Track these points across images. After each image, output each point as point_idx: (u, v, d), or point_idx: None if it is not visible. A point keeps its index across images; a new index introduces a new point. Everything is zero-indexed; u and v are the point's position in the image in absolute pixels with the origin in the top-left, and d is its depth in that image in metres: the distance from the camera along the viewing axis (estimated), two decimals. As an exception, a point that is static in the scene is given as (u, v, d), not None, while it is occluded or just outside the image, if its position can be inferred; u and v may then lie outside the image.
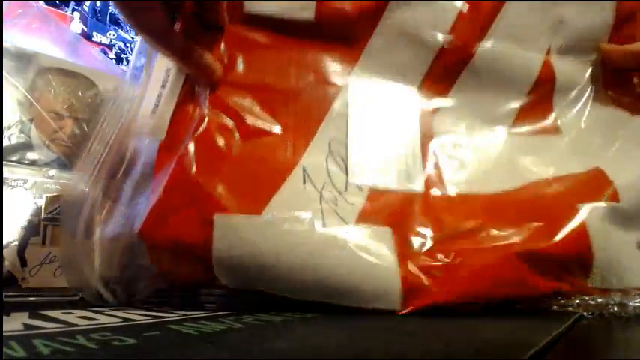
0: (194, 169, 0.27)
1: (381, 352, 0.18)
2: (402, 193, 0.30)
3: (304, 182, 0.29)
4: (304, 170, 0.29)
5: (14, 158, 0.36)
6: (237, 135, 0.30)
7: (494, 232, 0.29)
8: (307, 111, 0.32)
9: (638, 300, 0.29)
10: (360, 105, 0.32)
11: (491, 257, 0.28)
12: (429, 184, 0.31)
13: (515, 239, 0.28)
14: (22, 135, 0.37)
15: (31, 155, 0.37)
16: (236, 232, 0.26)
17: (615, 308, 0.29)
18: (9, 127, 0.37)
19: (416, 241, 0.29)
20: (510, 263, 0.27)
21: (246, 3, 0.32)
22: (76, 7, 0.85)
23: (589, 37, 0.36)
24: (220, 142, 0.29)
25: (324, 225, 0.27)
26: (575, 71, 0.36)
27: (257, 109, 0.31)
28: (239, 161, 0.29)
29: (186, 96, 0.31)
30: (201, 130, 0.29)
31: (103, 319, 0.24)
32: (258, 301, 0.29)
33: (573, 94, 0.36)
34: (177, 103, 0.30)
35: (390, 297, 0.26)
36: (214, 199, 0.27)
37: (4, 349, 0.16)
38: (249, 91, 0.31)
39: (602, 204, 0.30)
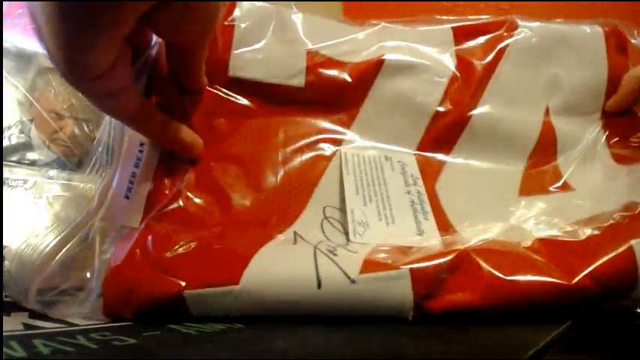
0: (159, 246, 0.24)
1: (381, 352, 0.18)
2: (415, 245, 0.26)
3: (295, 241, 0.26)
4: (295, 233, 0.27)
5: (14, 158, 0.36)
6: (218, 211, 0.27)
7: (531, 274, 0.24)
8: (298, 179, 0.30)
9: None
10: (355, 170, 0.31)
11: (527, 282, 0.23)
12: (446, 238, 0.28)
13: (557, 274, 0.24)
14: (22, 135, 0.37)
15: (31, 155, 0.37)
16: (213, 303, 0.23)
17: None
18: (9, 127, 0.37)
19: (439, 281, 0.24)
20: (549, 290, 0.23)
21: (230, 66, 0.30)
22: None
23: (586, 94, 0.35)
24: (196, 218, 0.26)
25: (319, 285, 0.22)
26: (576, 130, 0.35)
27: (242, 181, 0.29)
28: (218, 236, 0.26)
29: (163, 171, 0.28)
30: (174, 205, 0.26)
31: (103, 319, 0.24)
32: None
33: (577, 153, 0.34)
34: (152, 180, 0.27)
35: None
36: (182, 278, 0.23)
37: (4, 349, 0.16)
38: (233, 162, 0.29)
39: None
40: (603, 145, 0.35)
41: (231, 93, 0.31)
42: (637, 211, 0.27)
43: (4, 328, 0.20)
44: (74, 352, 0.16)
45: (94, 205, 0.27)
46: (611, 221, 0.26)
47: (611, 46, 0.35)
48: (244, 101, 0.31)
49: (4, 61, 0.37)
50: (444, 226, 0.29)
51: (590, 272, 0.23)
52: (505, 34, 0.35)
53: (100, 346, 0.17)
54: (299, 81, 0.31)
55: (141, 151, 0.28)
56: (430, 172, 0.32)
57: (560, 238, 0.26)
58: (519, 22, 0.35)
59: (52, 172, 0.36)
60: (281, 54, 0.32)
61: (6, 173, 0.34)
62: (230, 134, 0.30)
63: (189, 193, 0.27)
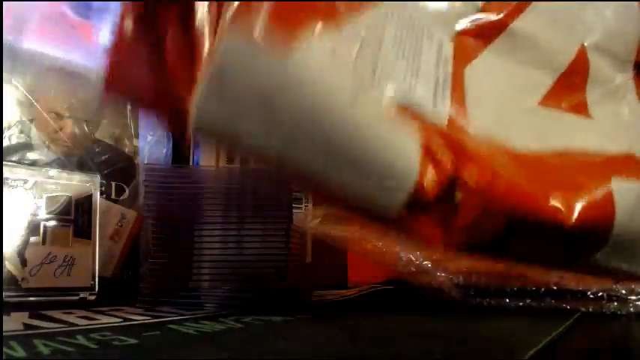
0: None
1: (382, 352, 0.18)
2: (426, 115, 0.28)
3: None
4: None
5: (14, 158, 0.36)
6: None
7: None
8: None
9: (637, 299, 0.29)
10: (398, 26, 0.30)
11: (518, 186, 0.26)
12: (452, 117, 0.29)
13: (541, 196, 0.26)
14: (22, 135, 0.37)
15: (31, 155, 0.37)
16: (248, 62, 0.21)
17: (615, 304, 0.29)
18: (9, 127, 0.37)
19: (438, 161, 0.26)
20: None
21: None
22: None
23: (621, 41, 0.36)
24: None
25: (353, 105, 0.24)
26: (609, 69, 0.36)
27: None
28: None
29: None
30: None
31: (103, 319, 0.24)
32: (258, 301, 0.29)
33: (606, 90, 0.36)
34: None
35: (407, 166, 0.25)
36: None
37: (4, 349, 0.16)
38: None
39: (635, 182, 0.29)
40: (632, 89, 0.36)
41: None
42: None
43: (4, 328, 0.20)
44: (74, 352, 0.16)
45: None
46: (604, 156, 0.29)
47: None
48: None
49: (4, 61, 0.37)
50: (458, 101, 0.30)
51: (569, 201, 0.26)
52: None
53: (100, 346, 0.17)
54: None
55: None
56: (464, 56, 0.33)
57: (552, 160, 0.29)
58: None
59: (52, 172, 0.36)
60: None
61: (6, 173, 0.34)
62: None
63: None
